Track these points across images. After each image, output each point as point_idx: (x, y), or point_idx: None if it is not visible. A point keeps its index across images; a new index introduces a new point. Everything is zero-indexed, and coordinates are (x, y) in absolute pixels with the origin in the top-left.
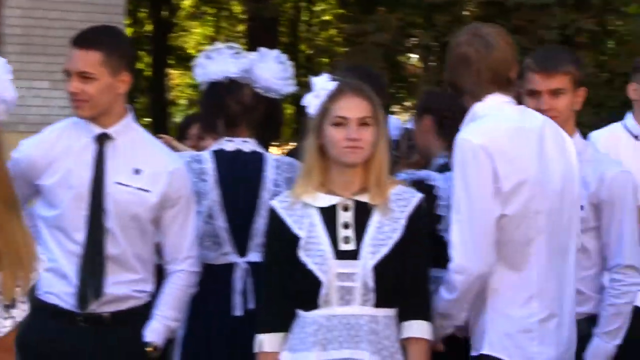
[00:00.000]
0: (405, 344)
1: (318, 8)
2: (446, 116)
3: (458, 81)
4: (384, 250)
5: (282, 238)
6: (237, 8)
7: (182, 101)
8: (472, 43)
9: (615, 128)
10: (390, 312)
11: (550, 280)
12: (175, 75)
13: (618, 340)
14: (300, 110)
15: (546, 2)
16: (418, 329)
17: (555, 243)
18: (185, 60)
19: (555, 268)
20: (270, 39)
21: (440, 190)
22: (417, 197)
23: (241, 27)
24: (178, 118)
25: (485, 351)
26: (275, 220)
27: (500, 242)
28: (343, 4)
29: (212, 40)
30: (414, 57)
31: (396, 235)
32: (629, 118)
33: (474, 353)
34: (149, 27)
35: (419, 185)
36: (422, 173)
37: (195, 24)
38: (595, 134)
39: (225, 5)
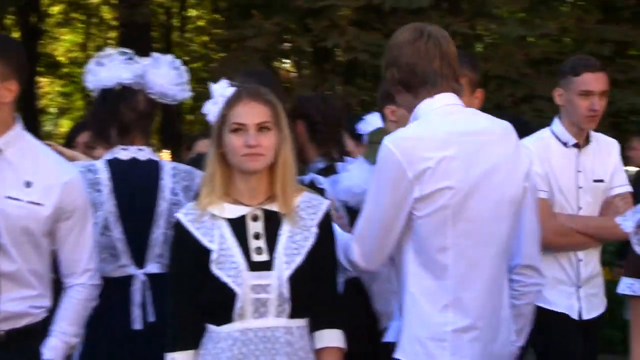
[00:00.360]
0: (318, 354)
1: (191, 14)
2: (318, 122)
3: (410, 78)
4: (298, 260)
5: (191, 251)
6: (108, 14)
7: (52, 109)
8: (429, 38)
9: (544, 134)
10: (303, 322)
11: (470, 290)
12: (44, 83)
13: (520, 342)
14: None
15: (421, 6)
16: (331, 338)
17: (475, 253)
18: (54, 68)
19: (477, 279)
20: (143, 46)
21: (327, 194)
22: (325, 203)
23: (112, 34)
24: (48, 127)
25: (397, 355)
26: (182, 233)
27: (418, 248)
28: (216, 10)
29: (82, 47)
30: (286, 62)
31: (308, 244)
32: (556, 124)
33: (393, 355)
34: (16, 34)
35: (311, 188)
36: (307, 178)
37: (64, 31)
38: (525, 141)
39: (95, 12)
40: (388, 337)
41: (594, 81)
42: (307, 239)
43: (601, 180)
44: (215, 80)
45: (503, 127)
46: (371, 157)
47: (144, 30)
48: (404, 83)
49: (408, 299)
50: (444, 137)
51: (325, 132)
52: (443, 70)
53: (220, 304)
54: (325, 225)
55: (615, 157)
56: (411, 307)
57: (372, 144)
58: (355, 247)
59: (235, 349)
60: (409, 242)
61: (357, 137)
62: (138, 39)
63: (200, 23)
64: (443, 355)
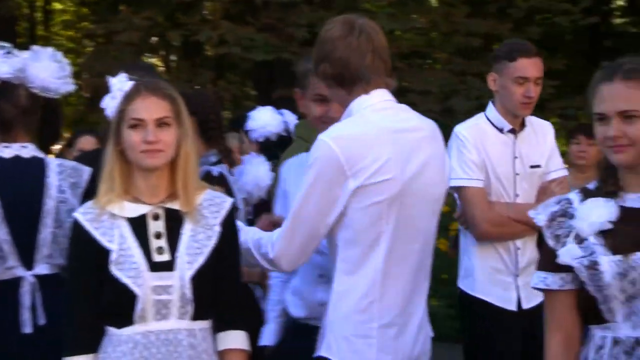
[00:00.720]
0: (222, 356)
1: (56, 7)
2: (210, 118)
3: (343, 74)
4: (201, 260)
5: (90, 252)
6: None
7: None
8: (360, 33)
9: (478, 120)
10: (206, 324)
11: (395, 287)
12: None
13: None
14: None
15: (294, 0)
16: (235, 339)
17: (403, 249)
18: None
19: (403, 274)
20: (8, 39)
21: (232, 184)
22: (228, 201)
23: None
24: None
25: (322, 353)
26: (80, 233)
27: (348, 244)
28: (83, 3)
29: None
30: (153, 57)
31: (211, 243)
32: (490, 109)
33: (314, 354)
34: None
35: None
36: (201, 170)
37: None
38: (460, 127)
39: None
40: (263, 341)
41: (530, 67)
42: (210, 238)
43: (538, 166)
44: (86, 75)
45: (432, 126)
46: (296, 151)
47: (9, 24)
48: (337, 79)
49: (334, 297)
50: (380, 134)
51: (216, 128)
52: (375, 65)
53: (120, 305)
54: (228, 224)
55: (551, 140)
56: (336, 304)
57: (298, 139)
58: (279, 245)
59: (137, 353)
60: (339, 238)
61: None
62: (3, 33)
63: (66, 17)
64: (369, 351)
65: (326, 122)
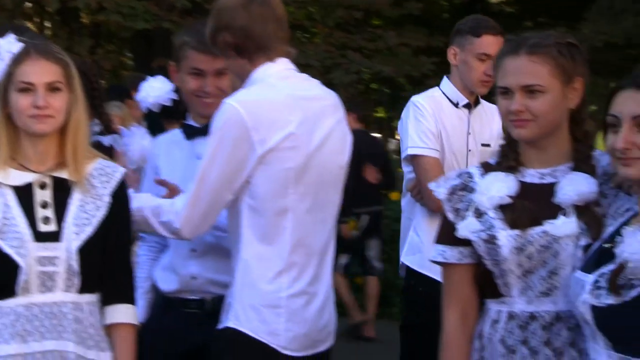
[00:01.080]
0: (110, 330)
1: None
2: (95, 87)
3: (245, 43)
4: (89, 230)
5: None
6: None
7: None
8: (262, 1)
9: (434, 93)
10: (93, 297)
11: (303, 256)
12: None
13: None
14: None
15: None
16: (123, 313)
17: (311, 219)
18: None
19: (310, 244)
20: None
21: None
22: (120, 171)
23: None
24: None
25: (230, 324)
26: None
27: (255, 211)
28: None
29: None
30: (23, 22)
31: (100, 214)
32: (446, 83)
33: (219, 326)
34: None
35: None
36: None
37: None
38: (417, 97)
39: None
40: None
41: (494, 45)
42: (99, 209)
43: (488, 145)
44: None
45: (333, 95)
46: None
47: None
48: (238, 48)
49: (241, 266)
50: (287, 100)
51: (100, 96)
52: (278, 34)
53: (2, 276)
54: (119, 195)
55: (498, 122)
56: (244, 274)
57: None
58: (184, 213)
59: (19, 326)
60: (244, 206)
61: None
62: None
63: None
64: (278, 321)
65: (200, 96)
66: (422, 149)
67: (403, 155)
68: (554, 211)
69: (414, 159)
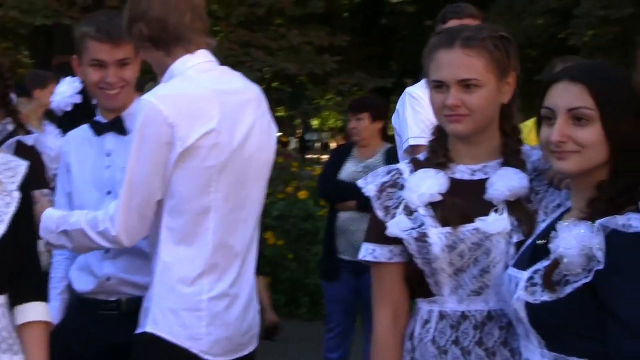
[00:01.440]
0: (22, 330)
1: None
2: (8, 85)
3: (161, 35)
4: (2, 228)
5: None
6: None
7: None
8: None
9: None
10: (3, 299)
11: (226, 257)
12: None
13: None
14: None
15: None
16: (35, 312)
17: (234, 218)
18: None
19: (233, 245)
20: None
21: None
22: (24, 165)
23: None
24: None
25: (148, 329)
26: None
27: (173, 212)
28: None
29: None
30: None
31: (11, 210)
32: None
33: (137, 330)
34: None
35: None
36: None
37: None
38: (412, 88)
39: None
40: None
41: None
42: (10, 205)
43: None
44: None
45: (256, 89)
46: None
47: None
48: (154, 40)
49: (160, 268)
50: (208, 95)
51: (7, 94)
52: (195, 25)
53: None
54: (26, 189)
55: None
56: (163, 277)
57: None
58: (118, 218)
59: None
60: (165, 207)
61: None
62: None
63: None
64: (199, 325)
65: (104, 88)
66: (424, 139)
67: (405, 147)
68: (486, 208)
69: (415, 149)
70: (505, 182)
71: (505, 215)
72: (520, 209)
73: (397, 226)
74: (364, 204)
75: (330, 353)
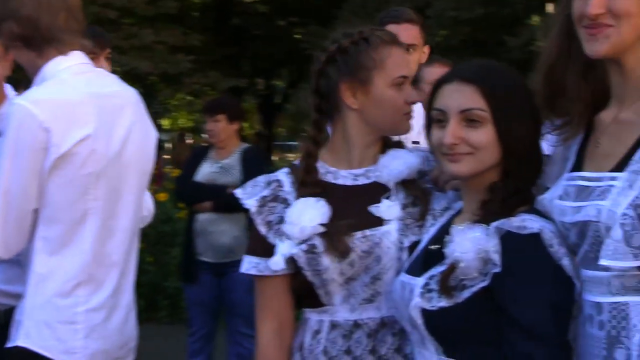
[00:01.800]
0: None
1: None
2: None
3: (32, 34)
4: None
5: None
6: None
7: None
8: None
9: None
10: None
11: (103, 267)
12: None
13: None
14: None
15: None
16: None
17: (113, 226)
18: None
19: (110, 254)
20: None
21: None
22: None
23: None
24: None
25: (19, 342)
26: None
27: (48, 221)
28: None
29: None
30: None
31: None
32: None
33: (8, 344)
34: None
35: None
36: None
37: None
38: None
39: None
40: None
41: (399, 32)
42: None
43: (417, 142)
44: None
45: (132, 91)
46: None
47: None
48: (25, 39)
49: (33, 280)
50: (83, 99)
51: None
52: (69, 25)
53: None
54: None
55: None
56: (37, 288)
57: None
58: None
59: None
60: (39, 216)
61: None
62: None
63: None
64: (75, 338)
65: None
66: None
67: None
68: (371, 217)
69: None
70: (401, 160)
71: (397, 202)
72: (416, 186)
73: (287, 250)
74: (219, 205)
75: (192, 357)
